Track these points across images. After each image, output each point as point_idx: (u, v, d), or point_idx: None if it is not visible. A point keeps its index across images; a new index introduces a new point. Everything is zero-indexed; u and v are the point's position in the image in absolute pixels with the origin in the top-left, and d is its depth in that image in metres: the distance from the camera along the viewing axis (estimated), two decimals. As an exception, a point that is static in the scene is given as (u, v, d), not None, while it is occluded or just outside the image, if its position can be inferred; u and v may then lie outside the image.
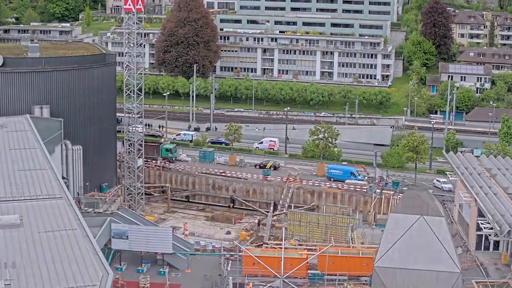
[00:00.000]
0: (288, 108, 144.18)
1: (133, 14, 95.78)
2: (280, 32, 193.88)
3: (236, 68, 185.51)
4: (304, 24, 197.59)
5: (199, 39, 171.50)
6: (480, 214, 76.12)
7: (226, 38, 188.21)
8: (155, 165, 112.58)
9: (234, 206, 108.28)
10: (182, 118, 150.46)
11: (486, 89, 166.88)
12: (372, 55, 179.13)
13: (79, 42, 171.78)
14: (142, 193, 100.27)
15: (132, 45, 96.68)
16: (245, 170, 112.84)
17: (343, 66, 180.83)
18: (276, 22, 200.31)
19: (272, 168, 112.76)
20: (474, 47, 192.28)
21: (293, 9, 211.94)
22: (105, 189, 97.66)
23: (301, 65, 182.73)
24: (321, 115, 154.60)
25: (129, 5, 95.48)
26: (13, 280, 37.31)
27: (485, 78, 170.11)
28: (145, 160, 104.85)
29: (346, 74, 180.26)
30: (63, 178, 78.13)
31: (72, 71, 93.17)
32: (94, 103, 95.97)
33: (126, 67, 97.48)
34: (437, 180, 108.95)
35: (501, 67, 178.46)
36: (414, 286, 56.22)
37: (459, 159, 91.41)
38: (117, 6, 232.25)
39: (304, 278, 70.02)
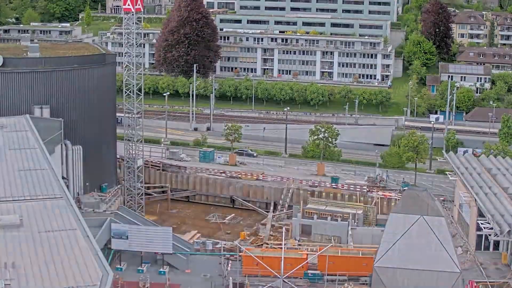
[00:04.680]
0: (288, 108, 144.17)
1: (132, 14, 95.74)
2: (280, 32, 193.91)
3: (236, 68, 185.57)
4: (304, 24, 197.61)
5: (199, 39, 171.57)
6: (480, 214, 76.13)
7: (226, 38, 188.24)
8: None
9: (234, 206, 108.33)
10: (182, 118, 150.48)
11: (486, 89, 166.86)
12: (372, 55, 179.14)
13: (79, 42, 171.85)
14: (142, 193, 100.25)
15: (131, 45, 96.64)
16: (245, 170, 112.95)
17: (343, 66, 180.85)
18: (276, 22, 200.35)
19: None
20: (474, 47, 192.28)
21: (293, 9, 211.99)
22: (105, 189, 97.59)
23: (301, 65, 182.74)
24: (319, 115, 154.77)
25: (128, 5, 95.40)
26: (13, 280, 37.30)
27: (485, 78, 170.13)
28: None
29: (346, 74, 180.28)
30: (63, 178, 78.14)
31: (72, 71, 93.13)
32: (94, 103, 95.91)
33: (126, 67, 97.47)
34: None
35: (501, 67, 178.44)
36: (414, 286, 56.27)
37: (459, 159, 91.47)
38: (117, 6, 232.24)
39: (300, 278, 70.00)
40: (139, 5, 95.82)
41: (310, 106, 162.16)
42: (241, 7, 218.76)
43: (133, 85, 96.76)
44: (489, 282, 67.16)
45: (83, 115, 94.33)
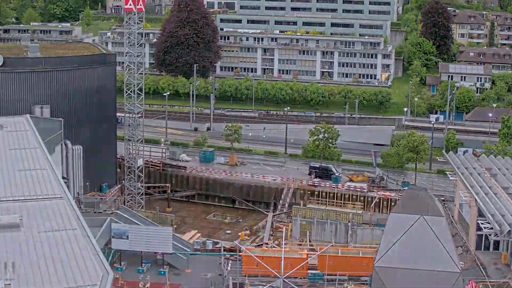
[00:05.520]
0: (288, 108, 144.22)
1: (134, 14, 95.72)
2: (280, 32, 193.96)
3: (236, 68, 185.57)
4: (304, 24, 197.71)
5: (199, 40, 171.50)
6: (480, 214, 76.14)
7: (226, 38, 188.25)
8: None
9: (234, 206, 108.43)
10: (182, 118, 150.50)
11: (486, 89, 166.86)
12: (372, 55, 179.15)
13: (79, 42, 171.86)
14: (142, 193, 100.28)
15: (132, 45, 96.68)
16: (245, 170, 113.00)
17: (343, 66, 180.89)
18: (276, 22, 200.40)
19: None
20: (474, 47, 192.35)
21: (293, 9, 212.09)
22: (105, 189, 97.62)
23: (301, 65, 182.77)
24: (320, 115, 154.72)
25: (130, 5, 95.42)
26: (13, 280, 37.28)
27: (485, 78, 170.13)
28: None
29: (346, 74, 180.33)
30: (63, 178, 78.10)
31: (72, 71, 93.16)
32: (94, 103, 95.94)
33: (126, 67, 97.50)
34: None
35: (501, 67, 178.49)
36: (414, 286, 56.19)
37: (459, 159, 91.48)
38: (117, 6, 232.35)
39: (303, 278, 70.03)
40: (140, 5, 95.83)
41: (310, 106, 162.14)
42: (241, 7, 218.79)
43: (134, 85, 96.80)
44: (489, 282, 67.15)
45: (83, 115, 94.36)
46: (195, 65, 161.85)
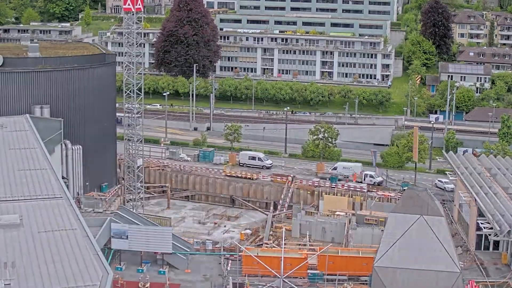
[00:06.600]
0: (288, 108, 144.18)
1: (132, 14, 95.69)
2: (280, 32, 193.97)
3: (236, 68, 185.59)
4: (304, 24, 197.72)
5: (199, 39, 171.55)
6: (480, 214, 76.18)
7: (226, 37, 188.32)
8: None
9: (234, 206, 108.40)
10: (181, 118, 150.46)
11: (486, 89, 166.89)
12: (372, 55, 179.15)
13: (79, 42, 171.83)
14: (142, 193, 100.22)
15: (131, 45, 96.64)
16: (246, 170, 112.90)
17: (343, 66, 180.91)
18: (276, 22, 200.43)
19: None
20: (474, 47, 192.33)
21: (293, 9, 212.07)
22: (105, 189, 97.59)
23: (301, 65, 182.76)
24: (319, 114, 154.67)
25: (129, 4, 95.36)
26: (13, 280, 37.30)
27: (485, 78, 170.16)
28: None
29: (346, 74, 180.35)
30: (63, 178, 78.17)
31: (72, 71, 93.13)
32: (94, 103, 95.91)
33: (126, 67, 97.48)
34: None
35: (501, 67, 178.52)
36: (414, 286, 56.23)
37: (459, 159, 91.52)
38: (117, 6, 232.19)
39: (303, 278, 70.07)
40: (139, 5, 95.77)
41: (310, 106, 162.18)
42: (241, 7, 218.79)
43: (133, 85, 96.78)
44: (489, 282, 67.19)
45: (83, 115, 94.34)
46: (194, 64, 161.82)
